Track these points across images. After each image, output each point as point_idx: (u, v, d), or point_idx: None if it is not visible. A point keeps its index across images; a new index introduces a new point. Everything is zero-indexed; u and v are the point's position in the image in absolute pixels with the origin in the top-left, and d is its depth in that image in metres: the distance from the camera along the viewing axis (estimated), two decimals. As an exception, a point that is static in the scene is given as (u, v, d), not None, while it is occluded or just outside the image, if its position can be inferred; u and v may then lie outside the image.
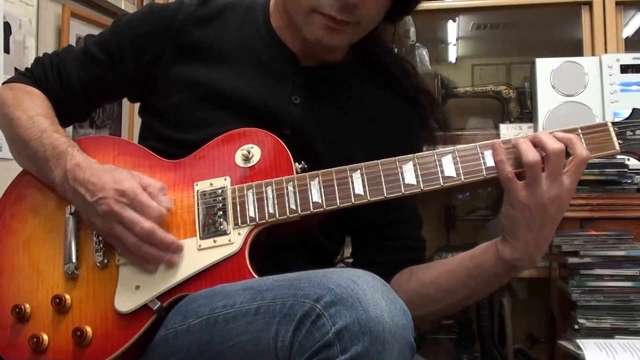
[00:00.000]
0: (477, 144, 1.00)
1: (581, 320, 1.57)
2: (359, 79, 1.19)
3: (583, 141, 0.97)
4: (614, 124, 0.99)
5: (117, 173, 0.99)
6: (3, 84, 1.19)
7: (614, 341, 1.46)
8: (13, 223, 1.06)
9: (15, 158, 1.12)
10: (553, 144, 0.94)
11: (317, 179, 0.99)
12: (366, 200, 0.98)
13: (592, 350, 1.39)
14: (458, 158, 0.99)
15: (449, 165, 0.99)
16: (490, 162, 0.98)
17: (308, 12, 1.05)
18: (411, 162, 1.00)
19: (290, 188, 0.99)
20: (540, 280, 2.18)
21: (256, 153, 1.03)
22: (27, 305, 0.98)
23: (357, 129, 1.17)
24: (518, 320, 2.17)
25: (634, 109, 1.01)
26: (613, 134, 0.99)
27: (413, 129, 1.22)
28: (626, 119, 1.01)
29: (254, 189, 1.00)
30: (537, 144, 0.95)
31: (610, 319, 1.57)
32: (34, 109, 1.09)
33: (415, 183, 0.99)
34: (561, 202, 0.95)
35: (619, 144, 0.98)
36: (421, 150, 1.17)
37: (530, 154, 0.94)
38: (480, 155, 0.99)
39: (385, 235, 1.17)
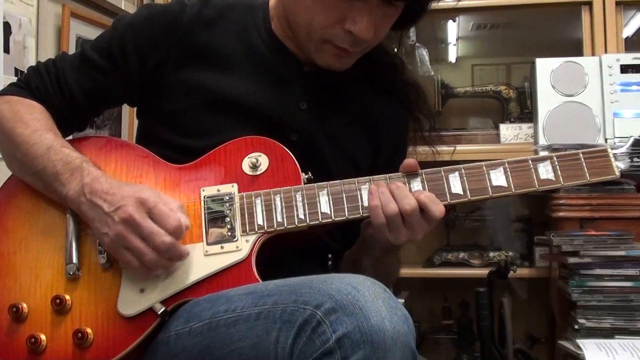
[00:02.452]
0: (483, 163, 1.02)
1: (581, 320, 1.57)
2: (355, 79, 1.19)
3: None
4: (613, 148, 1.02)
5: (138, 186, 0.98)
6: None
7: (614, 341, 1.46)
8: (8, 222, 1.04)
9: (15, 173, 1.08)
10: (405, 206, 0.97)
11: (325, 189, 1.01)
12: None
13: (592, 350, 1.39)
14: (465, 176, 1.01)
15: (455, 182, 1.01)
16: (496, 182, 1.01)
17: (320, 42, 1.06)
18: (419, 178, 1.01)
19: (299, 198, 1.00)
20: (540, 280, 2.18)
21: (264, 162, 1.03)
22: (24, 305, 0.97)
23: (357, 131, 1.18)
24: (518, 320, 2.17)
25: (634, 139, 1.04)
26: (613, 159, 1.02)
27: (403, 130, 1.23)
28: (627, 148, 1.04)
29: (262, 197, 1.01)
30: (395, 198, 0.98)
31: (610, 319, 1.57)
32: (34, 123, 1.05)
33: None
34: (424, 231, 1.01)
35: (619, 169, 1.02)
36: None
37: (390, 208, 0.97)
38: (486, 174, 1.01)
39: None
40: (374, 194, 0.99)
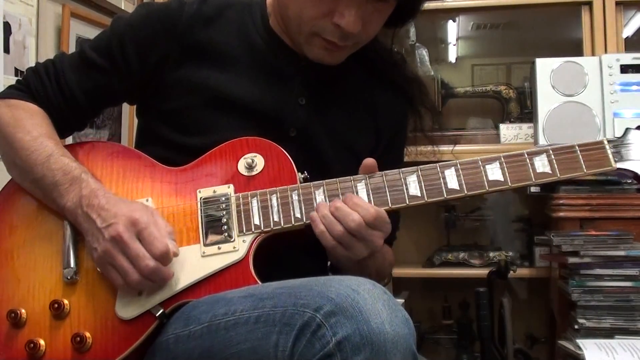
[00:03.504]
0: (478, 158, 1.02)
1: (581, 320, 1.57)
2: (354, 72, 1.20)
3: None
4: (609, 141, 1.01)
5: (133, 204, 0.98)
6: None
7: (614, 341, 1.46)
8: (6, 226, 1.04)
9: (14, 178, 1.08)
10: (350, 223, 0.96)
11: (321, 188, 1.01)
12: None
13: (592, 350, 1.38)
14: (461, 171, 1.01)
15: (451, 177, 1.00)
16: (492, 177, 1.00)
17: (309, 36, 1.07)
18: (415, 174, 1.01)
19: (295, 197, 1.00)
20: (540, 280, 2.18)
21: (259, 162, 1.04)
22: (23, 310, 0.97)
23: (357, 121, 1.19)
24: (518, 320, 2.17)
25: (626, 129, 1.03)
26: (609, 151, 1.01)
27: (402, 119, 1.24)
28: (619, 138, 1.03)
29: (259, 197, 1.01)
30: (338, 219, 0.97)
31: (610, 319, 1.57)
32: (35, 129, 1.05)
33: (419, 194, 1.00)
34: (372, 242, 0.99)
35: (615, 161, 1.01)
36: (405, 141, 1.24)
37: (336, 230, 0.96)
38: (482, 168, 1.00)
39: None
40: (317, 221, 0.98)
